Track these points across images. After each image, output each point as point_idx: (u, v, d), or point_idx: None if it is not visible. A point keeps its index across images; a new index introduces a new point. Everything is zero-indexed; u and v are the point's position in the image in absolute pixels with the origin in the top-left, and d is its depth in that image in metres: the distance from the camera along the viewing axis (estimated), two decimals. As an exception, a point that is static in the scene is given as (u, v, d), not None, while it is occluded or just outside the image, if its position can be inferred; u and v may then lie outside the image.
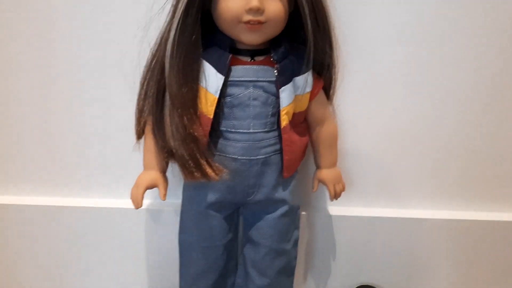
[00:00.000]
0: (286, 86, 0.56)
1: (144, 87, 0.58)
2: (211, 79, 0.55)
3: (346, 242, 0.77)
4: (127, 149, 0.63)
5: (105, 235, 0.76)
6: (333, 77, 0.64)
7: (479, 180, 0.76)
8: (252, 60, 0.57)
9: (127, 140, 0.63)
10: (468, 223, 0.75)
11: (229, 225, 0.65)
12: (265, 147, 0.58)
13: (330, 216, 0.76)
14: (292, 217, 0.65)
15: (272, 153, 0.59)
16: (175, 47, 0.53)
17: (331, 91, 0.65)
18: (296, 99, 0.58)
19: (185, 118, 0.54)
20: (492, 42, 0.68)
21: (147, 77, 0.58)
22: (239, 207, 0.66)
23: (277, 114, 0.58)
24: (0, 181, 0.77)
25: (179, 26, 0.52)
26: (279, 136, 0.59)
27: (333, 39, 0.60)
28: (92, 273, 0.79)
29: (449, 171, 0.75)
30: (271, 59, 0.56)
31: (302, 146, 0.62)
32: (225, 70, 0.54)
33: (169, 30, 0.53)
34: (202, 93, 0.55)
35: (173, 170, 0.63)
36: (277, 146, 0.60)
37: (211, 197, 0.60)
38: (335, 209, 0.76)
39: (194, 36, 0.53)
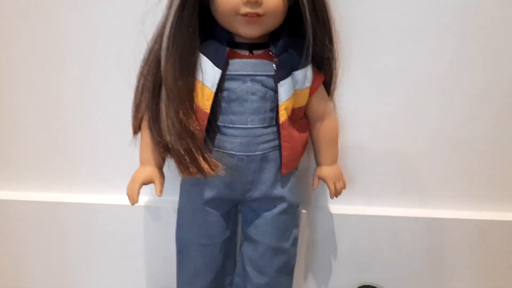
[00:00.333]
0: (285, 80, 0.55)
1: (141, 81, 0.58)
2: (208, 73, 0.54)
3: (347, 241, 0.76)
4: (124, 145, 0.63)
5: (102, 232, 0.76)
6: (334, 72, 0.62)
7: (481, 178, 0.75)
8: (251, 54, 0.56)
9: (124, 135, 0.63)
10: (471, 222, 0.74)
11: (227, 223, 0.64)
12: (263, 143, 0.58)
13: (330, 215, 0.75)
14: (291, 215, 0.64)
15: (271, 149, 0.58)
16: (171, 40, 0.52)
17: (332, 86, 0.64)
18: (295, 94, 0.57)
19: (181, 112, 0.53)
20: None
21: (144, 71, 0.57)
22: (237, 204, 0.65)
23: (275, 109, 0.57)
24: (-2, 176, 0.77)
25: (175, 19, 0.52)
26: (278, 132, 0.58)
27: (333, 32, 0.58)
28: (89, 270, 0.79)
29: (453, 168, 0.74)
30: (270, 53, 0.55)
31: (301, 142, 0.61)
32: (222, 64, 0.53)
33: (166, 23, 0.53)
34: (198, 87, 0.54)
35: (170, 166, 0.63)
36: (276, 142, 0.59)
37: (209, 193, 0.60)
38: (335, 207, 0.76)
39: (191, 29, 0.53)
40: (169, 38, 0.52)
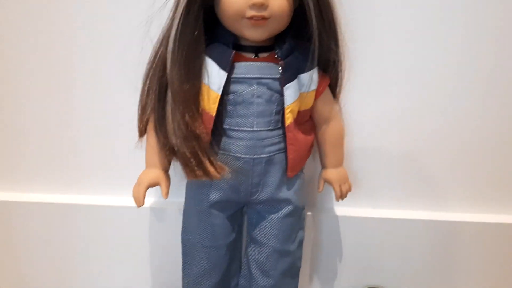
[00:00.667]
0: (291, 83, 0.55)
1: (147, 84, 0.58)
2: (214, 76, 0.54)
3: (353, 243, 0.76)
4: (130, 147, 0.63)
5: (108, 233, 0.76)
6: (339, 74, 0.62)
7: (489, 180, 0.74)
8: (256, 57, 0.56)
9: (130, 138, 0.63)
10: (478, 225, 0.74)
11: (233, 225, 0.64)
12: (269, 145, 0.57)
13: (336, 217, 0.75)
14: (296, 217, 0.64)
15: (276, 152, 0.58)
16: (177, 43, 0.52)
17: (338, 89, 0.64)
18: (301, 96, 0.57)
19: (187, 115, 0.53)
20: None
21: (150, 74, 0.57)
22: (243, 206, 0.65)
23: (281, 112, 0.57)
24: (4, 177, 0.77)
25: (181, 22, 0.51)
26: (284, 135, 0.58)
27: (339, 35, 0.58)
28: (94, 271, 0.79)
29: (460, 170, 0.74)
30: (276, 56, 0.55)
31: (307, 145, 0.61)
32: (228, 67, 0.53)
33: (171, 26, 0.53)
34: (204, 90, 0.54)
35: (176, 169, 0.63)
36: (281, 145, 0.59)
37: (214, 196, 0.60)
38: (341, 209, 0.76)
39: (196, 32, 0.53)
40: (174, 40, 0.52)
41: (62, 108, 0.72)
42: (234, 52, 0.54)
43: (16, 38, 0.69)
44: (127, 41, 0.66)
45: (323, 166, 0.67)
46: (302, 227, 0.66)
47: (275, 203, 0.61)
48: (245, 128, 0.56)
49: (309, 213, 0.73)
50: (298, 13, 0.54)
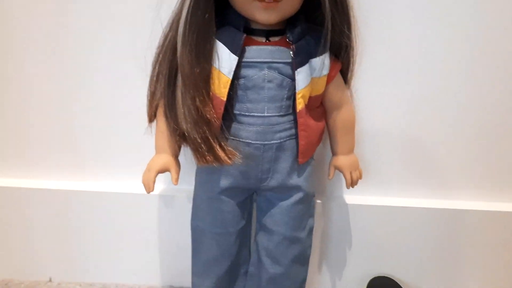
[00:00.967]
0: (302, 68, 0.54)
1: (156, 68, 0.57)
2: (225, 60, 0.53)
3: (363, 231, 0.75)
4: (139, 133, 0.62)
5: (117, 220, 0.76)
6: (351, 59, 0.61)
7: (500, 168, 0.74)
8: (267, 41, 0.55)
9: (139, 123, 0.62)
10: (488, 213, 0.73)
11: (242, 212, 0.63)
12: (280, 131, 0.57)
13: (346, 205, 0.74)
14: (307, 204, 0.63)
15: (287, 138, 0.58)
16: (187, 26, 0.51)
17: (349, 75, 0.63)
18: (312, 81, 0.56)
19: (197, 99, 0.52)
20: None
21: (159, 58, 0.57)
22: (253, 193, 0.64)
23: (292, 97, 0.56)
24: (13, 164, 0.77)
25: (191, 4, 0.51)
26: (295, 121, 0.57)
27: (352, 19, 0.57)
28: (104, 258, 0.79)
29: (470, 158, 0.73)
30: (287, 40, 0.54)
31: (318, 131, 0.61)
32: (238, 51, 0.53)
33: (182, 9, 0.52)
34: (215, 74, 0.53)
35: (186, 155, 0.62)
36: (293, 131, 0.58)
37: (224, 182, 0.59)
38: (351, 197, 0.75)
39: (207, 15, 0.52)
40: (185, 23, 0.51)
41: (71, 93, 0.72)
42: (245, 35, 0.53)
43: (25, 25, 0.68)
44: (136, 25, 0.65)
45: (334, 153, 0.66)
46: (312, 215, 0.65)
47: (285, 190, 0.61)
48: (256, 114, 0.55)
49: (318, 201, 0.73)
50: (310, -4, 0.53)
